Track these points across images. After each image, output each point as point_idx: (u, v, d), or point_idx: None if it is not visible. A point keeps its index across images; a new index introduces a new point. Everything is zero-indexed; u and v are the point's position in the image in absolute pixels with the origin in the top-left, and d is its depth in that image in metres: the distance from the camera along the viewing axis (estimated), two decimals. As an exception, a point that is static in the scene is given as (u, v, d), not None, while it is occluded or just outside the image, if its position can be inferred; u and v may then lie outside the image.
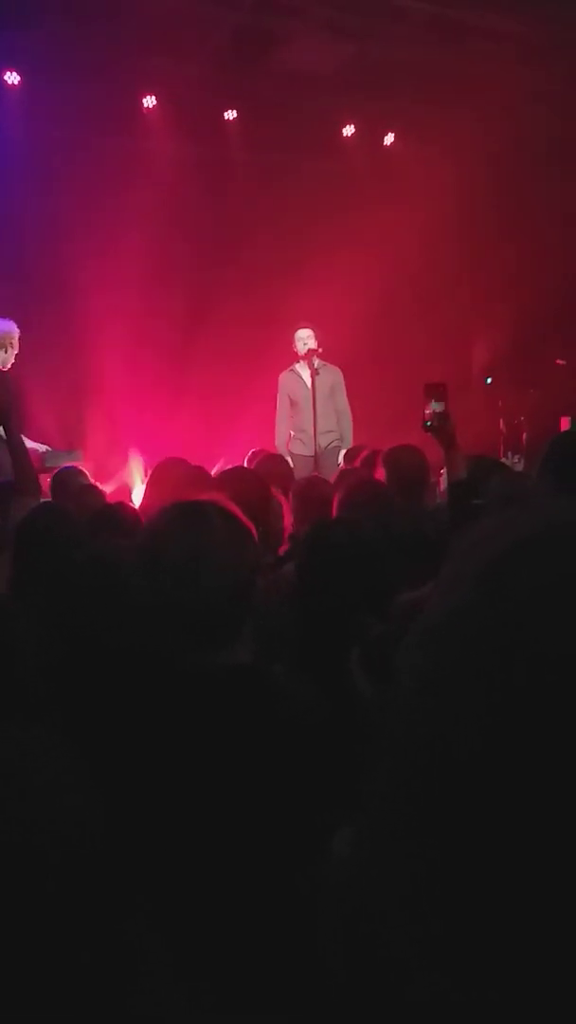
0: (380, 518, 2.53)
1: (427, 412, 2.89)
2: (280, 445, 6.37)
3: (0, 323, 5.41)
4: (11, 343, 5.38)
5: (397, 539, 2.42)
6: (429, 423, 2.90)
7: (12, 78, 6.92)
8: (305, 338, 6.34)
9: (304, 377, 6.41)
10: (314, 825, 1.23)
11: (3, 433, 5.23)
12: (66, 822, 0.79)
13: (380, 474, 3.39)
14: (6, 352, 5.34)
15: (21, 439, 3.50)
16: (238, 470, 3.26)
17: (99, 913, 0.83)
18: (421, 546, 2.68)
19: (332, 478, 4.44)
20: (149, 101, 7.44)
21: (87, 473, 4.56)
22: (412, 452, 3.41)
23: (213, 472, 3.96)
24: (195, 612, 1.40)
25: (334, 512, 3.34)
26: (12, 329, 5.41)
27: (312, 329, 6.37)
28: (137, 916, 0.94)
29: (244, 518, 1.52)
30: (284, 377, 6.52)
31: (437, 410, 2.87)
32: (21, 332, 5.53)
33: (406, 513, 3.02)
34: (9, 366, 5.39)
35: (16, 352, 5.44)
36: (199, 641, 1.41)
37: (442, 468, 3.87)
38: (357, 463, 4.38)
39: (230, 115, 7.75)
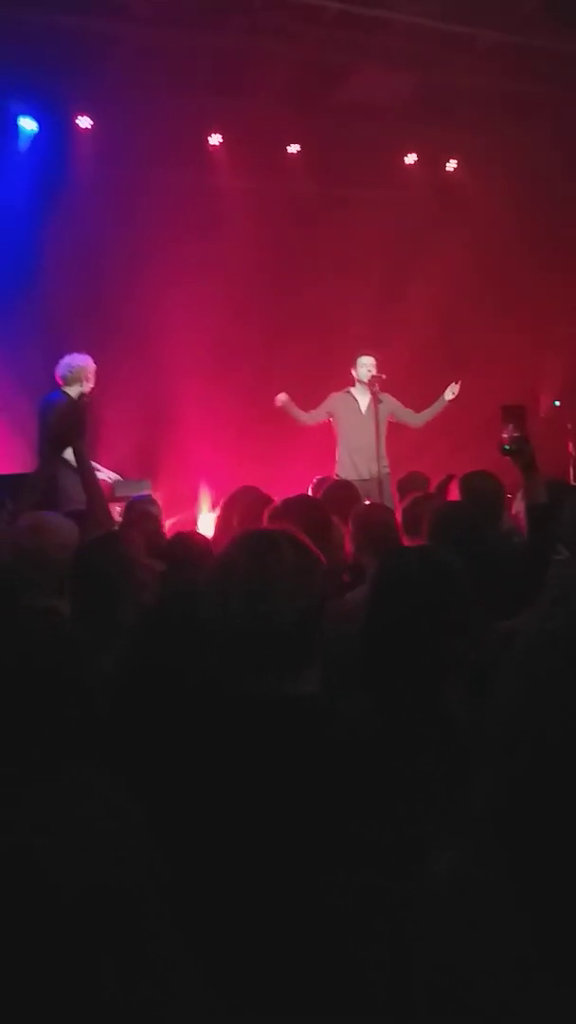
0: (469, 544, 2.50)
1: (505, 436, 2.85)
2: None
3: (77, 358, 5.56)
4: (86, 377, 5.52)
5: (485, 565, 2.39)
6: (508, 447, 2.85)
7: (85, 122, 7.20)
8: (369, 365, 6.37)
9: (360, 402, 6.43)
10: (357, 844, 1.24)
11: (73, 462, 5.38)
12: (122, 870, 0.80)
13: (453, 499, 3.37)
14: (81, 385, 5.48)
15: (92, 470, 3.58)
16: (300, 498, 3.29)
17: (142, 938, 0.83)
18: (502, 571, 2.64)
19: (397, 506, 4.43)
20: (215, 138, 7.64)
21: (158, 503, 4.66)
22: (489, 478, 3.38)
23: (275, 499, 4.00)
24: (261, 640, 1.42)
25: (403, 538, 3.33)
26: (88, 364, 5.55)
27: (375, 357, 6.40)
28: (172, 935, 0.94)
29: (313, 547, 1.54)
30: (336, 397, 6.52)
31: (515, 434, 2.83)
32: (98, 364, 5.68)
33: (490, 540, 2.97)
34: (78, 396, 5.52)
35: (92, 386, 5.57)
36: (265, 670, 1.43)
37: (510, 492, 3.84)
38: (432, 488, 4.31)
39: (293, 149, 7.90)
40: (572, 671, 0.64)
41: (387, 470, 6.27)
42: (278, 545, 1.47)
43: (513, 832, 0.66)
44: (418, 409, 6.56)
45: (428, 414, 6.48)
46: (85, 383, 5.52)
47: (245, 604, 1.43)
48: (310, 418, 6.50)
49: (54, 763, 1.16)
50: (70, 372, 5.51)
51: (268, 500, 3.74)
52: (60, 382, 5.52)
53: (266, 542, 1.49)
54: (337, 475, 6.20)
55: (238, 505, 3.80)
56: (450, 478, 4.00)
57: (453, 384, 6.42)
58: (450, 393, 6.42)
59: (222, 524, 3.85)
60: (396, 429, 6.56)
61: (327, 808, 1.33)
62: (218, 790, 1.34)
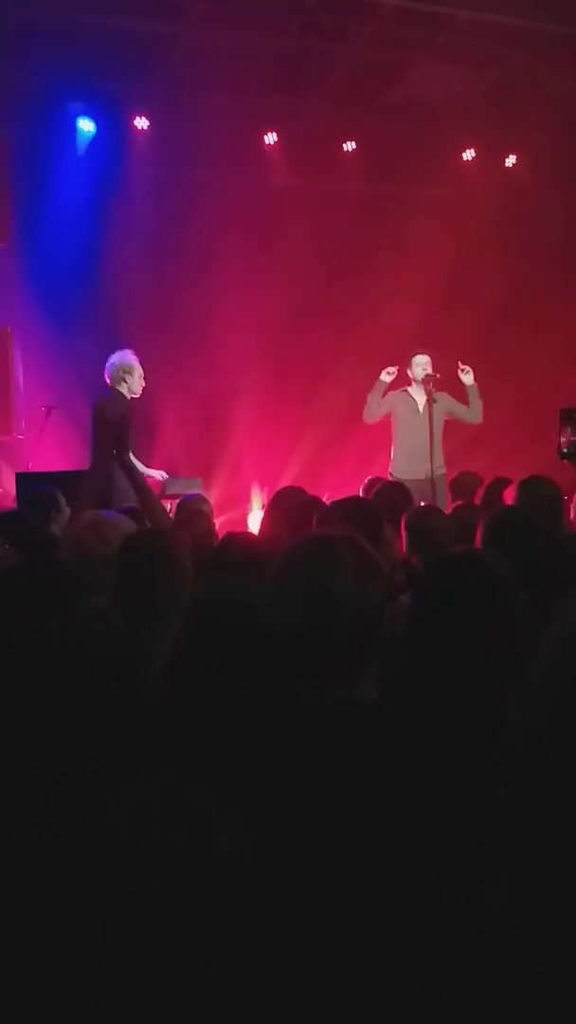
0: (525, 551, 2.45)
1: (563, 439, 2.82)
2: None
3: (118, 355, 5.55)
4: (129, 373, 5.49)
5: (542, 572, 2.34)
6: (567, 450, 2.83)
7: (141, 123, 7.28)
8: (424, 364, 6.30)
9: (418, 402, 6.37)
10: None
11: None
12: (229, 887, 0.81)
13: (508, 503, 3.31)
14: (127, 382, 5.47)
15: (137, 472, 3.60)
16: (352, 500, 3.28)
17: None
18: (560, 579, 2.59)
19: (447, 506, 4.39)
20: (270, 137, 7.65)
21: (209, 501, 4.70)
22: (547, 482, 3.31)
23: (325, 499, 4.00)
24: (322, 646, 1.41)
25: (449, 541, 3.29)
26: (126, 360, 5.48)
27: (430, 355, 6.33)
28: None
29: (373, 553, 1.53)
30: (394, 395, 6.44)
31: (574, 437, 2.80)
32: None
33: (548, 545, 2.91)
34: (138, 394, 5.53)
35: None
36: (324, 674, 1.43)
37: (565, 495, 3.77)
38: (482, 491, 4.24)
39: (349, 147, 7.86)
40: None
41: (442, 471, 6.21)
42: (340, 551, 1.47)
43: (533, 845, 0.68)
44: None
45: (475, 405, 6.37)
46: (129, 378, 5.48)
47: (306, 610, 1.43)
48: (376, 412, 6.44)
49: (117, 769, 1.18)
50: (113, 371, 5.51)
51: (315, 500, 3.74)
52: (108, 381, 5.54)
53: (328, 547, 1.48)
54: (391, 475, 6.16)
55: (284, 506, 3.81)
56: (501, 483, 3.95)
57: (461, 365, 6.30)
58: (465, 376, 6.31)
59: (268, 525, 3.86)
60: (449, 429, 6.49)
61: (378, 813, 1.33)
62: (274, 794, 1.34)
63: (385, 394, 6.40)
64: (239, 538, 3.38)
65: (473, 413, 6.37)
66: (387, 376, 6.31)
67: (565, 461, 5.14)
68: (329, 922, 1.25)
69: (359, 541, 1.53)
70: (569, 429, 2.81)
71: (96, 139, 7.28)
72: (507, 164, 8.31)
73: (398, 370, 6.36)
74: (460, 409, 6.39)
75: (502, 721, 1.71)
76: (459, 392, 6.43)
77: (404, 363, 6.44)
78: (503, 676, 1.79)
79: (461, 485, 4.92)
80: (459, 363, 6.31)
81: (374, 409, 6.42)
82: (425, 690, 1.66)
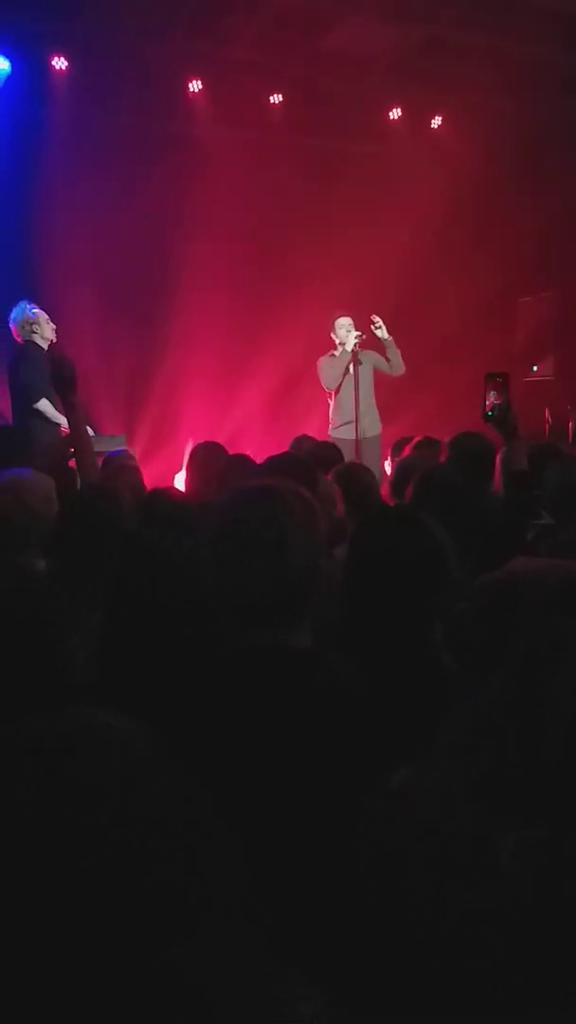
0: (453, 505, 2.50)
1: (488, 403, 2.89)
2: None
3: (16, 311, 5.29)
4: (36, 323, 5.26)
5: (469, 526, 2.39)
6: (491, 413, 2.89)
7: (60, 63, 6.96)
8: (347, 325, 6.24)
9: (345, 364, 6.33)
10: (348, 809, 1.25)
11: (48, 415, 5.23)
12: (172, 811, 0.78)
13: (442, 460, 3.35)
14: (37, 333, 5.28)
15: (83, 423, 3.50)
16: (286, 456, 3.26)
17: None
18: (486, 532, 2.66)
19: (382, 464, 4.40)
20: (195, 85, 7.43)
21: (134, 457, 4.63)
22: (480, 438, 3.36)
23: (253, 457, 3.97)
24: (272, 595, 1.39)
25: (385, 496, 3.33)
26: (26, 313, 5.27)
27: (351, 317, 6.29)
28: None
29: (316, 503, 1.52)
30: (324, 361, 6.38)
31: (498, 401, 2.87)
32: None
33: (473, 501, 2.96)
34: (54, 339, 5.31)
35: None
36: (269, 623, 1.42)
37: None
38: (407, 450, 4.32)
39: (276, 99, 7.71)
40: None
41: (377, 430, 6.22)
42: (287, 499, 1.44)
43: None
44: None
45: (394, 357, 6.32)
46: (39, 328, 5.27)
47: (261, 559, 1.39)
48: (337, 379, 6.27)
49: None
50: (18, 328, 5.29)
51: (242, 457, 3.71)
52: (18, 339, 5.32)
53: (275, 496, 1.45)
54: (331, 436, 6.15)
55: (205, 461, 3.77)
56: (427, 441, 4.00)
57: (374, 319, 6.22)
58: (378, 331, 6.23)
59: (192, 480, 3.83)
60: (379, 390, 6.49)
61: (325, 761, 1.33)
62: (214, 745, 1.33)
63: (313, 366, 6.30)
64: (165, 493, 3.33)
65: (394, 366, 6.36)
66: (358, 342, 6.06)
67: (489, 424, 5.23)
68: (270, 864, 1.25)
69: (302, 491, 1.52)
70: (494, 393, 2.87)
71: (11, 78, 6.92)
72: (433, 125, 8.30)
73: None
74: (383, 364, 6.38)
75: (431, 666, 1.76)
76: (380, 348, 6.42)
77: (329, 317, 6.40)
78: (431, 625, 1.83)
79: (399, 447, 4.96)
80: (372, 317, 6.25)
81: (337, 375, 6.25)
82: (359, 641, 1.68)
